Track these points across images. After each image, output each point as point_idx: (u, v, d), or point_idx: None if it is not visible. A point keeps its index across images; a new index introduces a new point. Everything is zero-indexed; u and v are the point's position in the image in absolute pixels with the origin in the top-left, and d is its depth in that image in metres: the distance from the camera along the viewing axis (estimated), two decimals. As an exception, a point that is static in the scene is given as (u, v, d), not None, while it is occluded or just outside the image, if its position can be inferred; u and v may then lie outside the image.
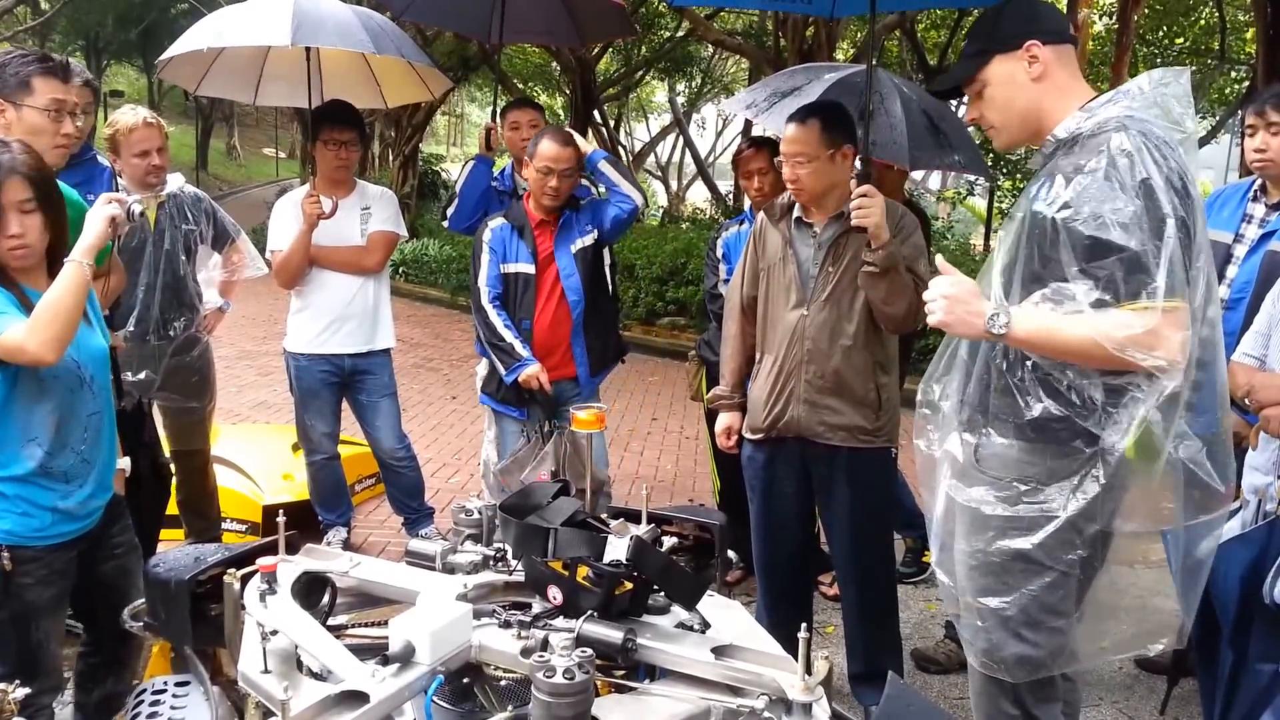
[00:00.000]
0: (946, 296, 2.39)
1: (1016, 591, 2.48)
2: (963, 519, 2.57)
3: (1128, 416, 2.30)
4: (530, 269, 4.45)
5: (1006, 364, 2.45)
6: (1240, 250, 3.71)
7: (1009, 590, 2.49)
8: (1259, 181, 3.76)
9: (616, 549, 2.14)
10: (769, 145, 4.92)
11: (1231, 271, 3.69)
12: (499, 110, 5.55)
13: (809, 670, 1.79)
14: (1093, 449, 2.36)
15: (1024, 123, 2.57)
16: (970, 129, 4.40)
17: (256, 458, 5.83)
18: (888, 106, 4.48)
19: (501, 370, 4.43)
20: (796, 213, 3.66)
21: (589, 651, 1.72)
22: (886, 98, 4.53)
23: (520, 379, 4.37)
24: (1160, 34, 17.90)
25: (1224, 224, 3.74)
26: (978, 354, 2.55)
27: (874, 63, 4.05)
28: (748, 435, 3.82)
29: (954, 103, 4.85)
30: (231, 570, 2.24)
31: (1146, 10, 16.20)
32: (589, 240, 4.55)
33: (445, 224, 5.20)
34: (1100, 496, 2.37)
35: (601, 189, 4.67)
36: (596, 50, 22.27)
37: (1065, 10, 10.36)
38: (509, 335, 4.43)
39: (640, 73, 26.24)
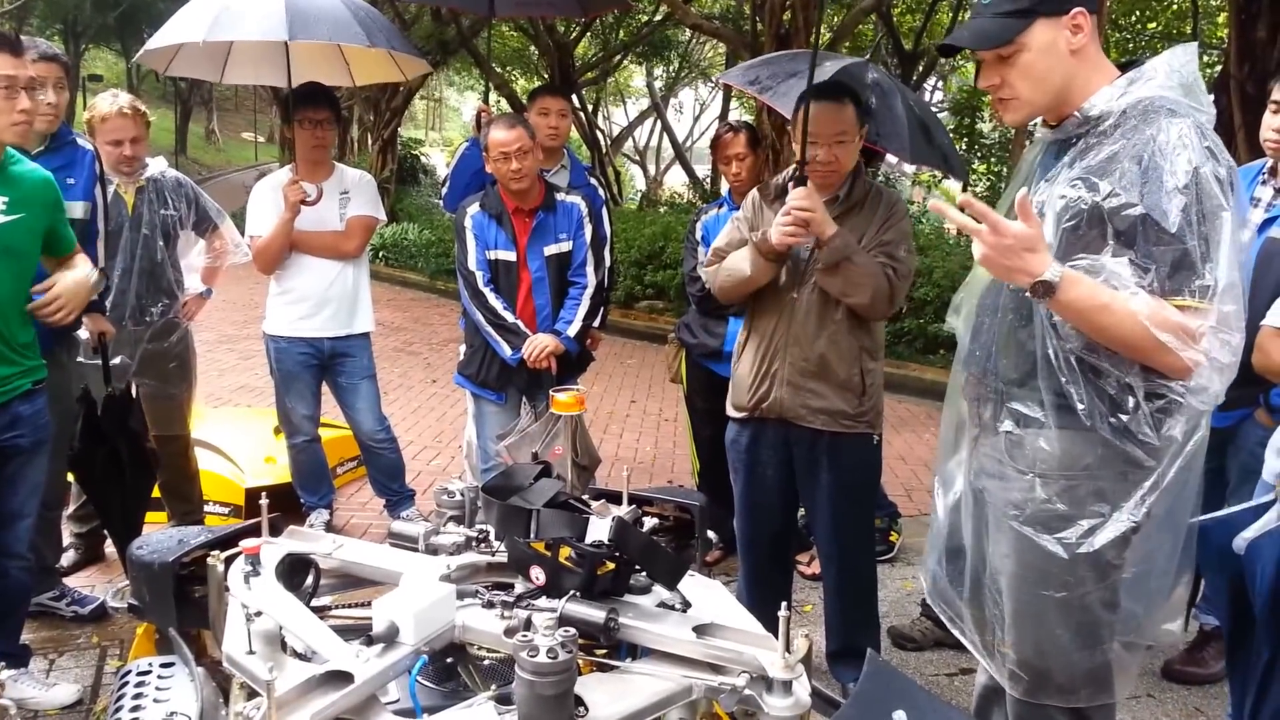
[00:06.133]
0: (996, 246, 2.15)
1: (1065, 602, 2.34)
2: (999, 527, 2.43)
3: (1171, 424, 2.18)
4: (511, 255, 4.45)
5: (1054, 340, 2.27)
6: (1246, 235, 3.58)
7: (1058, 602, 2.35)
8: (1269, 163, 3.61)
9: (598, 530, 2.16)
10: (747, 130, 4.94)
11: None
12: (528, 95, 5.55)
13: (789, 648, 1.82)
14: (1140, 444, 2.21)
15: (1052, 99, 2.34)
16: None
17: (238, 441, 5.81)
18: (890, 103, 4.49)
19: (507, 351, 4.42)
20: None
21: (572, 631, 1.74)
22: (888, 94, 4.54)
23: (538, 350, 4.35)
24: (1133, 19, 17.93)
25: None
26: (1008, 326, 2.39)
27: (871, 50, 4.03)
28: (732, 414, 3.82)
29: (930, 88, 4.86)
30: (215, 552, 2.26)
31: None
32: (564, 248, 4.55)
33: (441, 204, 5.19)
34: (1145, 491, 2.24)
35: (574, 196, 4.66)
36: (575, 34, 22.22)
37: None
38: (510, 316, 4.43)
39: (618, 57, 26.08)
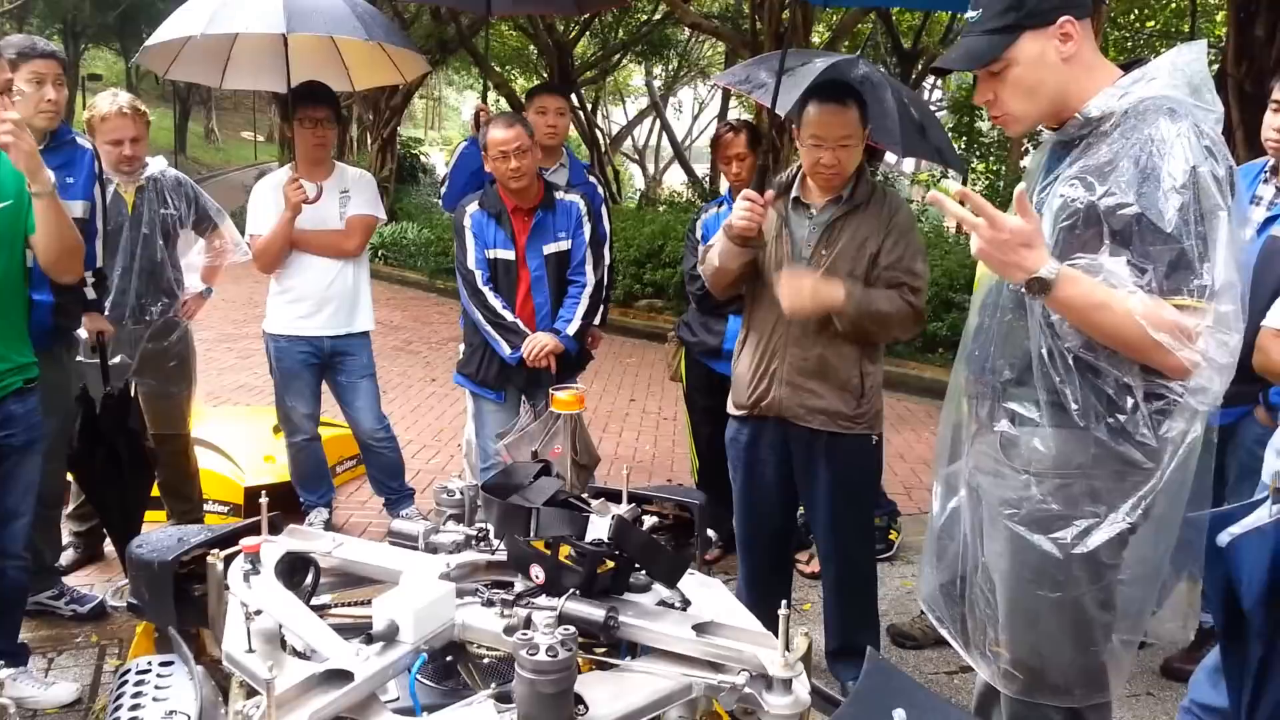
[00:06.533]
0: (992, 241, 2.14)
1: (1062, 600, 2.33)
2: (994, 525, 2.42)
3: (1170, 425, 2.17)
4: (511, 254, 4.45)
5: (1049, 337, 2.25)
6: (1247, 234, 3.49)
7: (1054, 601, 2.34)
8: (1271, 162, 3.61)
9: (598, 528, 2.16)
10: (748, 129, 4.94)
11: None
12: (526, 94, 5.56)
13: (789, 646, 1.81)
14: (1136, 444, 2.20)
15: (1049, 108, 2.33)
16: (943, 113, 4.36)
17: (238, 440, 5.81)
18: (879, 95, 4.49)
19: (506, 350, 4.42)
20: (794, 192, 3.63)
21: (571, 629, 1.74)
22: (878, 87, 4.53)
23: (537, 349, 4.35)
24: (1131, 17, 17.90)
25: None
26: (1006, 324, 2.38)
27: (863, 46, 4.03)
28: (731, 412, 3.82)
29: (929, 86, 4.86)
30: (215, 551, 2.25)
31: (1118, -7, 16.27)
32: (563, 247, 4.54)
33: (440, 203, 5.19)
34: (1143, 493, 2.23)
35: (573, 195, 4.66)
36: (574, 33, 22.22)
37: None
38: (509, 315, 4.43)
39: (617, 56, 26.11)
